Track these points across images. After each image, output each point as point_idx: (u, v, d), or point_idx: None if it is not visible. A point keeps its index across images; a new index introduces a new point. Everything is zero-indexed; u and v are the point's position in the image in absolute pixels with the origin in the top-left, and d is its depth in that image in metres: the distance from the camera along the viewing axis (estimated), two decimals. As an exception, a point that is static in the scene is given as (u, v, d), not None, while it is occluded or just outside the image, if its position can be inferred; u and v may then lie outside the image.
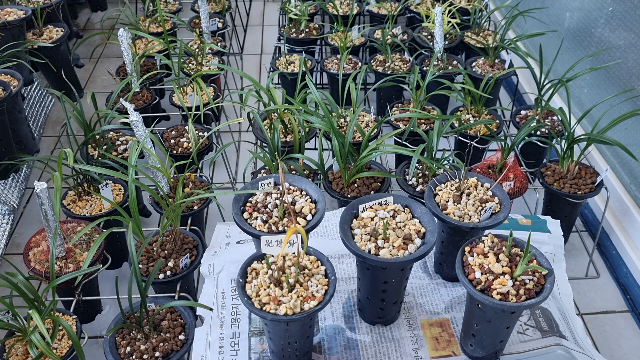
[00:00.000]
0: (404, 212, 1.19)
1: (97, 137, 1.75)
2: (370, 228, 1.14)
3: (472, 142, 1.82)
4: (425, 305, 1.30)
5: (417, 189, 1.57)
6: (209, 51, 2.30)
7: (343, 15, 2.55)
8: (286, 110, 1.73)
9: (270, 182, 1.26)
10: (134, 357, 1.15)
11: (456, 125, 1.81)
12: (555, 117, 1.93)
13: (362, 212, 1.18)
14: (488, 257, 1.07)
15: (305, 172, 1.64)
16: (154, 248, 1.41)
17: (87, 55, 2.83)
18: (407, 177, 1.60)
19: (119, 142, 1.81)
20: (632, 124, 1.79)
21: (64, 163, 1.38)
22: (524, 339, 1.21)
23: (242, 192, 1.22)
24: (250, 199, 1.24)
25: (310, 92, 1.68)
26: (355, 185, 1.55)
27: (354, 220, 1.17)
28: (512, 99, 2.38)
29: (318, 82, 2.61)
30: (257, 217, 1.19)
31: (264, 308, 1.01)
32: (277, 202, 1.21)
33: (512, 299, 1.00)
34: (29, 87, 2.38)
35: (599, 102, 1.73)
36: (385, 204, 1.20)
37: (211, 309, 1.28)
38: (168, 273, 1.37)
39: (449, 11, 2.39)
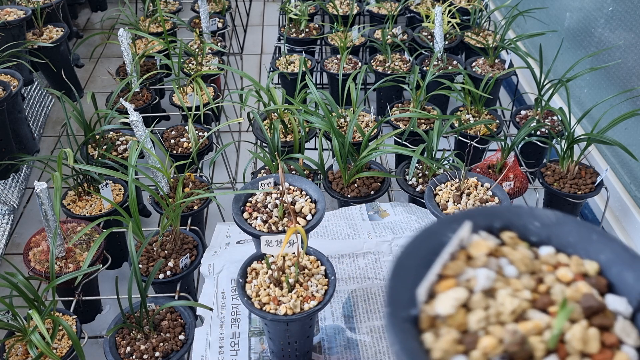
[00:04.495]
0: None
1: (97, 137, 1.75)
2: None
3: (472, 142, 1.82)
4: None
5: (417, 189, 1.57)
6: (209, 51, 2.30)
7: (343, 15, 2.55)
8: (286, 110, 1.73)
9: (270, 182, 1.26)
10: (134, 357, 1.15)
11: (456, 125, 1.81)
12: (555, 117, 1.93)
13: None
14: (488, 257, 1.05)
15: (305, 172, 1.64)
16: (154, 248, 1.41)
17: (87, 55, 2.83)
18: (407, 177, 1.60)
19: (119, 142, 1.81)
20: (632, 124, 1.79)
21: (64, 163, 1.38)
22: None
23: (242, 192, 1.22)
24: (250, 199, 1.24)
25: (310, 92, 1.68)
26: (355, 185, 1.55)
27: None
28: (512, 99, 2.38)
29: (318, 82, 2.61)
30: (257, 217, 1.19)
31: (264, 308, 1.01)
32: (277, 202, 1.21)
33: (512, 299, 0.99)
34: (29, 87, 2.38)
35: (599, 102, 1.73)
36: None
37: (211, 309, 1.28)
38: (168, 273, 1.37)
39: (449, 11, 2.39)
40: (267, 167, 1.70)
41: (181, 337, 1.19)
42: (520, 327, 0.44)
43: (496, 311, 0.45)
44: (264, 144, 1.74)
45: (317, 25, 2.53)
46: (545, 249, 0.51)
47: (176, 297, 1.36)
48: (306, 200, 1.22)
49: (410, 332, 0.44)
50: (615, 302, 0.46)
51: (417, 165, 1.63)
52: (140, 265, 1.37)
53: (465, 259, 0.49)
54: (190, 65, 2.22)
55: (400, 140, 1.78)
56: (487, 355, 0.43)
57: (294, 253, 1.08)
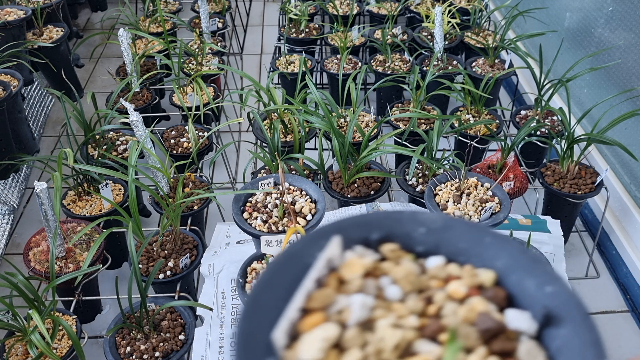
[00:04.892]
0: None
1: (97, 137, 1.75)
2: None
3: (472, 142, 1.82)
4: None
5: (417, 189, 1.57)
6: (209, 51, 2.30)
7: (343, 15, 2.55)
8: (286, 110, 1.73)
9: (270, 182, 1.26)
10: (134, 357, 1.15)
11: (456, 125, 1.81)
12: (555, 117, 1.93)
13: None
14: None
15: (305, 172, 1.64)
16: (154, 248, 1.41)
17: (87, 55, 2.83)
18: (407, 177, 1.60)
19: (119, 142, 1.81)
20: (632, 124, 1.79)
21: (64, 163, 1.38)
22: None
23: (242, 192, 1.22)
24: (250, 199, 1.24)
25: (310, 92, 1.68)
26: (355, 185, 1.55)
27: None
28: (512, 99, 2.38)
29: (318, 82, 2.61)
30: (257, 217, 1.19)
31: (264, 308, 1.01)
32: (277, 202, 1.21)
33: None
34: (29, 87, 2.38)
35: (599, 102, 1.73)
36: None
37: (211, 309, 1.28)
38: (168, 273, 1.37)
39: (449, 11, 2.39)
40: (267, 167, 1.70)
41: (181, 337, 1.19)
42: None
43: (376, 348, 0.35)
44: (264, 144, 1.74)
45: (317, 25, 2.54)
46: (434, 260, 0.42)
47: (176, 297, 1.36)
48: (306, 200, 1.22)
49: None
50: (518, 319, 0.38)
51: (417, 165, 1.63)
52: (140, 265, 1.37)
53: (337, 284, 0.39)
54: (190, 65, 2.22)
55: (400, 140, 1.78)
56: None
57: (294, 253, 1.08)
